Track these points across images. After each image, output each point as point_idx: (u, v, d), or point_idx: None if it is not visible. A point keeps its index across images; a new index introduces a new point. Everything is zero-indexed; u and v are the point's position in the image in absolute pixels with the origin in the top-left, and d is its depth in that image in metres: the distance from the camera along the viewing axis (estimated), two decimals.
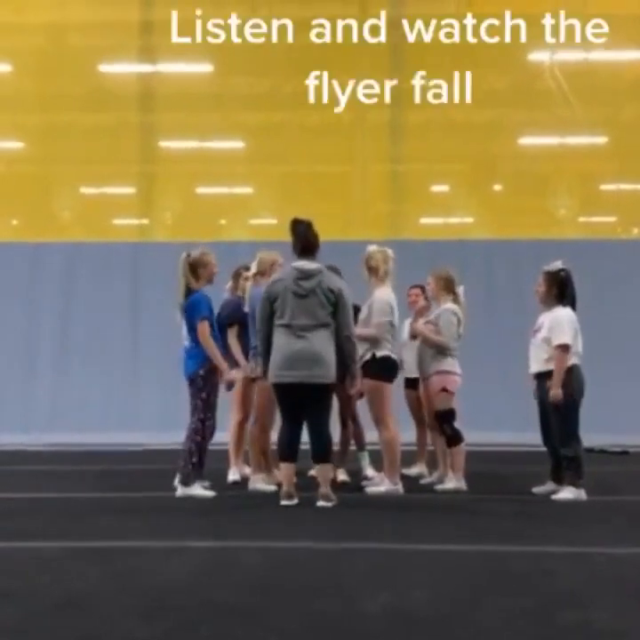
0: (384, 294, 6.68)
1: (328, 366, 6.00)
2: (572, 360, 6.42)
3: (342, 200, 12.78)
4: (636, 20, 12.19)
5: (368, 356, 6.54)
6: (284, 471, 6.13)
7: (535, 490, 6.70)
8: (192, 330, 6.55)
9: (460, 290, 7.11)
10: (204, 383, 6.49)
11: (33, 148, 13.23)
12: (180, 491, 6.43)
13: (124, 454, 10.18)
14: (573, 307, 6.56)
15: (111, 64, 12.91)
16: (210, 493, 6.48)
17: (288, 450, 6.09)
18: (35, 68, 12.76)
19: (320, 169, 12.89)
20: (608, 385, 9.77)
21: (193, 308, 6.53)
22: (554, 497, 6.36)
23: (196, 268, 6.59)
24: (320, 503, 5.96)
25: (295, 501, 6.02)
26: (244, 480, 7.10)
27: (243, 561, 4.28)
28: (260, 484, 6.78)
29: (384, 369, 6.57)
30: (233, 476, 7.28)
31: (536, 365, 6.60)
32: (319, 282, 6.02)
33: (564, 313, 6.49)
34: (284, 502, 5.99)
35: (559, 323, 6.43)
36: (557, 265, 6.59)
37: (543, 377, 6.47)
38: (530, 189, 12.68)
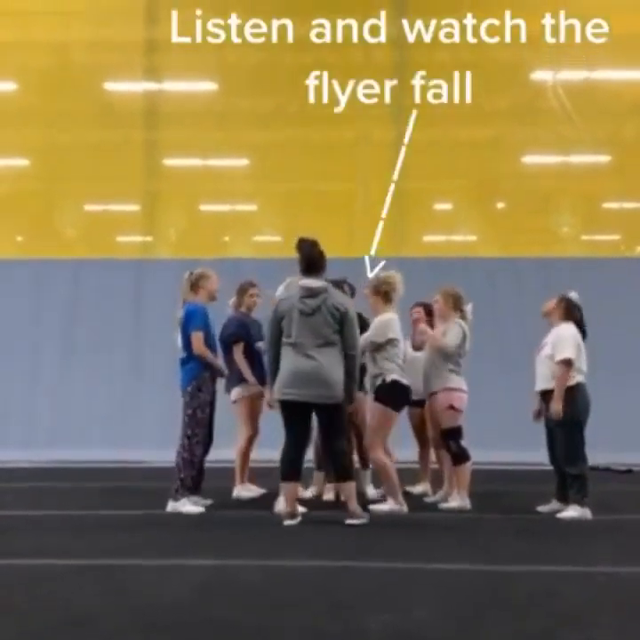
0: (388, 316, 6.63)
1: (335, 386, 5.96)
2: (577, 378, 6.40)
3: (345, 217, 12.79)
4: (639, 39, 12.24)
5: (379, 381, 6.49)
6: (287, 490, 6.06)
7: (540, 508, 6.67)
8: (187, 342, 6.58)
9: (469, 307, 7.10)
10: (191, 398, 6.57)
11: (38, 165, 13.27)
12: (170, 506, 6.52)
13: (125, 471, 10.15)
14: (583, 334, 6.56)
15: (115, 82, 12.97)
16: (198, 509, 6.49)
17: (290, 469, 6.04)
18: (39, 85, 12.82)
19: (323, 186, 12.91)
20: (612, 403, 9.71)
21: (187, 320, 6.60)
22: (559, 515, 6.33)
23: (196, 282, 6.78)
24: (349, 521, 5.94)
25: (298, 520, 5.98)
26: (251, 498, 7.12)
27: (243, 578, 4.25)
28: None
29: (392, 395, 6.47)
30: (237, 493, 7.26)
31: (542, 383, 6.58)
32: (324, 299, 5.99)
33: (567, 329, 6.48)
34: (286, 522, 5.93)
35: (562, 339, 6.42)
36: (575, 297, 6.61)
37: (549, 394, 6.44)
38: (533, 207, 12.69)
